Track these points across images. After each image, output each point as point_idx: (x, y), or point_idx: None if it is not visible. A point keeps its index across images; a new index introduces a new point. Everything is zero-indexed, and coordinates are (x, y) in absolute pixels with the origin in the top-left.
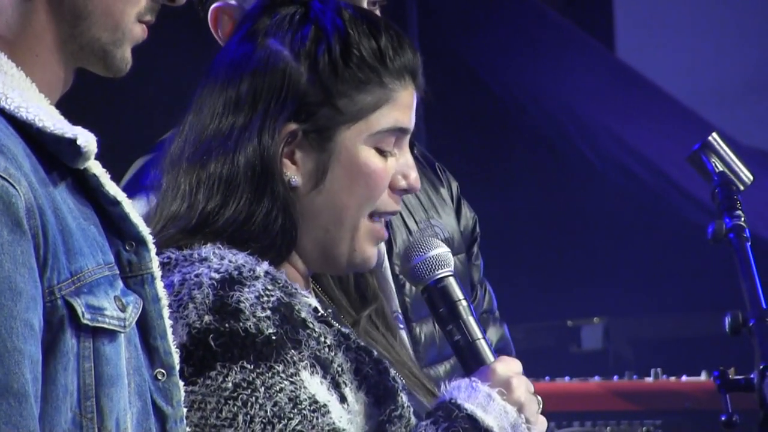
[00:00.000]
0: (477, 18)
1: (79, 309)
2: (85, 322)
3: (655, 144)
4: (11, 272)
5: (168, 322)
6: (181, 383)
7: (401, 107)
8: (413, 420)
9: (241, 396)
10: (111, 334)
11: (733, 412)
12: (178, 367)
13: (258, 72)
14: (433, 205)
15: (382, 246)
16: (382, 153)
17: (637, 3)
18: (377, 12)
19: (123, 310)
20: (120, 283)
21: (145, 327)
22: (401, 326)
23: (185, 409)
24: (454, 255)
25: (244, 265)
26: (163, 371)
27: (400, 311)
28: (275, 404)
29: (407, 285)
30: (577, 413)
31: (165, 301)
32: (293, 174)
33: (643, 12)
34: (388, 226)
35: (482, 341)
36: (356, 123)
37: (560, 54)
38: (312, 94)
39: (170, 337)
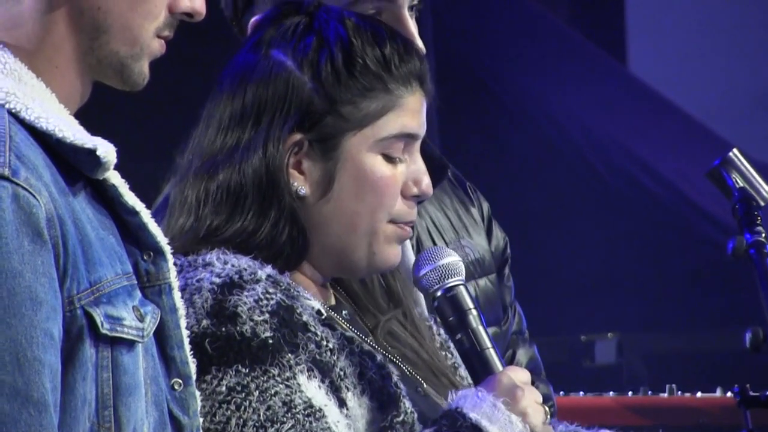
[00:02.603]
0: (489, 30)
1: (98, 319)
2: (104, 332)
3: (666, 158)
4: (32, 282)
5: (185, 332)
6: (197, 393)
7: (409, 113)
8: (417, 427)
9: (234, 400)
10: (129, 344)
11: (753, 429)
12: (194, 377)
13: (261, 83)
14: (464, 225)
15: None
16: (390, 159)
17: (650, 17)
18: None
19: (141, 320)
20: (138, 293)
21: (162, 337)
22: None
23: (201, 419)
24: (484, 275)
25: (246, 269)
26: (180, 381)
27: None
28: (269, 408)
29: None
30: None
31: (182, 311)
32: (301, 184)
33: (655, 26)
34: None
35: (491, 350)
36: (362, 130)
37: (571, 67)
38: (316, 103)
39: (187, 346)
